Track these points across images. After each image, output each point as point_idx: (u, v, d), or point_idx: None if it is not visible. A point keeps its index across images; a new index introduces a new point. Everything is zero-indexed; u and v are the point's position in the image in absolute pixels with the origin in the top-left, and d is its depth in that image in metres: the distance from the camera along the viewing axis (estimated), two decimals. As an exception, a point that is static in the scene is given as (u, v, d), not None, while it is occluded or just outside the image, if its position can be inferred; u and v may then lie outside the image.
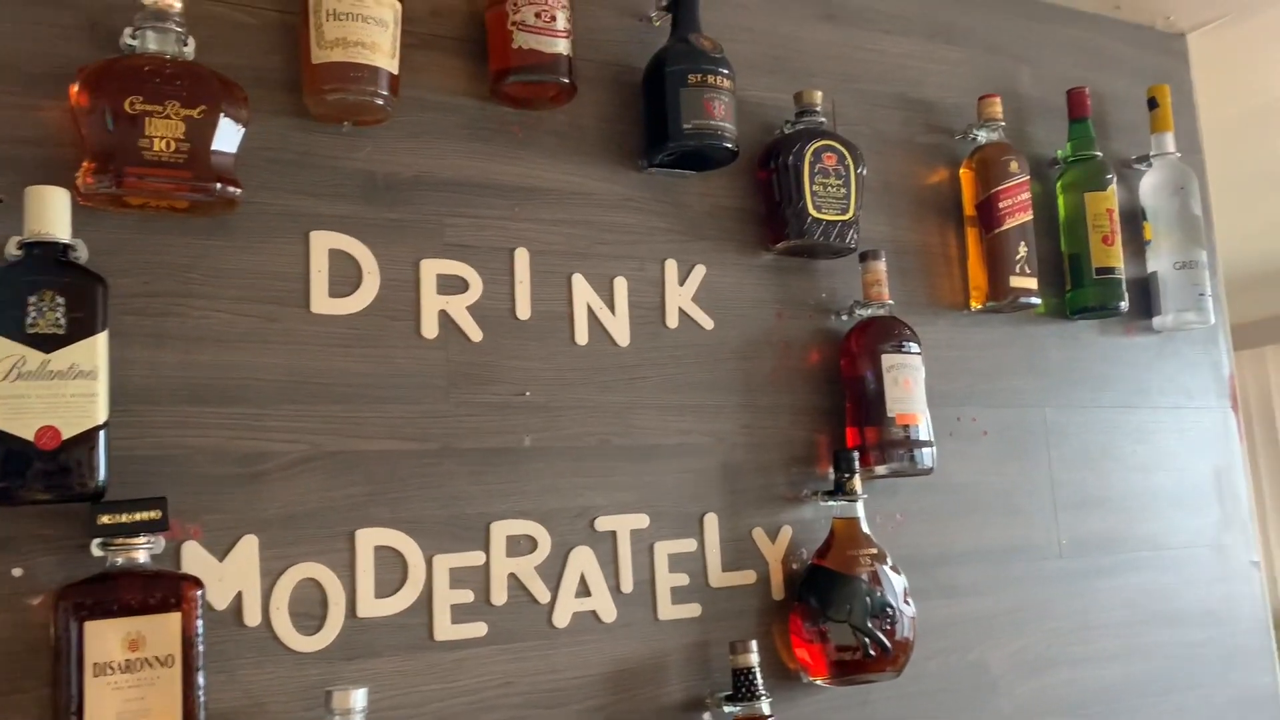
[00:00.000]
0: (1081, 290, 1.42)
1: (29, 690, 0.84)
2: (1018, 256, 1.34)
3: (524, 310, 1.10)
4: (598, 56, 1.18)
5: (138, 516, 0.84)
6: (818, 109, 1.24)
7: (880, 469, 1.20)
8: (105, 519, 0.83)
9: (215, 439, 0.94)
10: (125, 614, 0.83)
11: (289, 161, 1.01)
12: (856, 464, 1.18)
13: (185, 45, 0.93)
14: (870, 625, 1.14)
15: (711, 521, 1.16)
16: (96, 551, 0.85)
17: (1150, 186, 1.52)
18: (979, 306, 1.37)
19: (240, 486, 0.95)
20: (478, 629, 1.02)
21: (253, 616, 0.93)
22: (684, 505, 1.15)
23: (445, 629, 1.01)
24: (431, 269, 1.06)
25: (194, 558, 0.92)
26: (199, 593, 0.86)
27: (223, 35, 0.99)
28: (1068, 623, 1.37)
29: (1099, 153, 1.45)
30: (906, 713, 1.23)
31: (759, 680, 1.08)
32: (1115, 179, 1.45)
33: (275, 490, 0.96)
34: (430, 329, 1.05)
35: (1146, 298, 1.51)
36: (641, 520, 1.12)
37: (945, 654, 1.27)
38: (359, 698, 0.90)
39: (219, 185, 0.91)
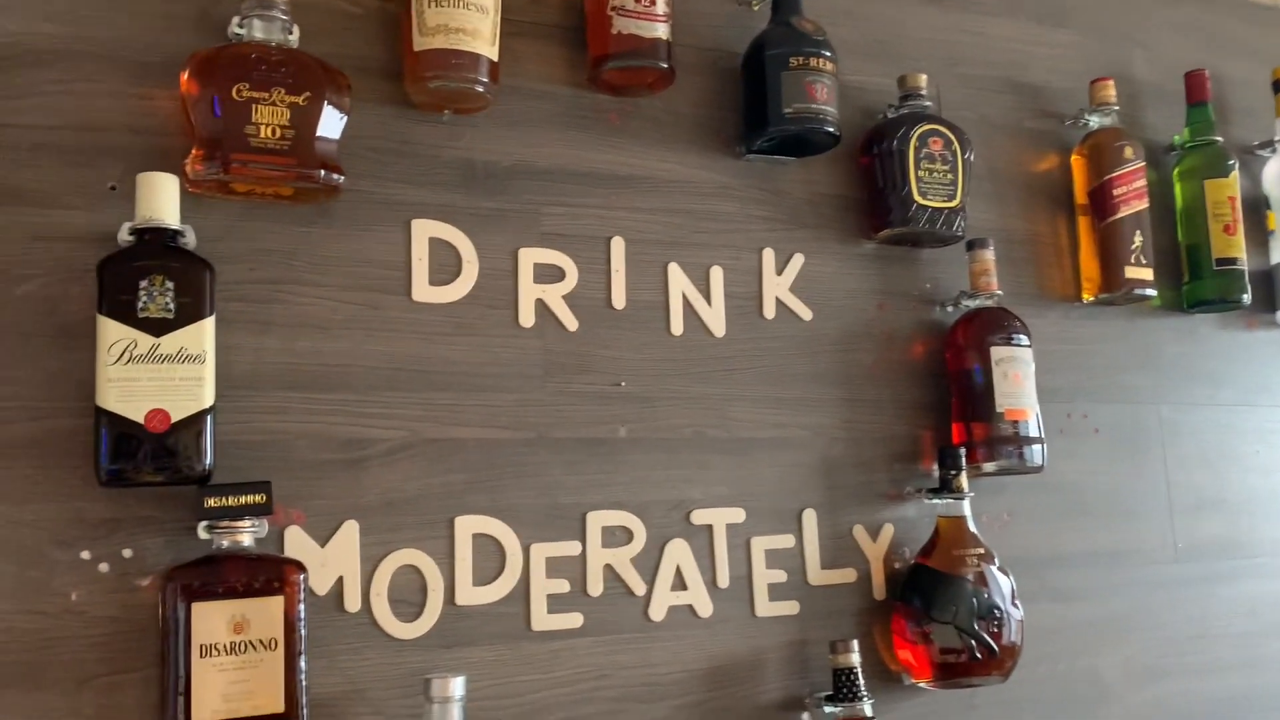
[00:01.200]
0: (1200, 282, 1.36)
1: (138, 670, 0.85)
2: (1132, 246, 1.28)
3: (619, 300, 1.08)
4: (696, 41, 1.16)
5: (243, 500, 0.85)
6: (923, 93, 1.20)
7: (988, 466, 1.16)
8: (212, 502, 0.84)
9: (317, 425, 0.95)
10: (231, 596, 0.84)
11: (390, 150, 1.01)
12: (963, 460, 1.14)
13: (290, 34, 0.94)
14: (976, 627, 1.09)
15: (810, 517, 1.13)
16: (202, 534, 0.86)
17: (1274, 174, 1.44)
18: (1091, 299, 1.31)
19: (341, 472, 0.95)
20: (574, 620, 1.01)
21: (353, 602, 0.93)
22: (782, 500, 1.12)
23: (542, 619, 1.00)
24: (529, 258, 1.05)
25: (296, 542, 0.92)
26: (301, 577, 0.87)
27: (326, 24, 1.00)
28: (1183, 631, 1.30)
29: (1219, 138, 1.38)
30: (1014, 717, 1.18)
31: (860, 681, 1.05)
32: (1237, 165, 1.38)
33: (375, 477, 0.96)
34: (527, 318, 1.04)
35: (1270, 290, 1.43)
36: (738, 514, 1.10)
37: (1054, 659, 1.22)
38: (457, 686, 0.89)
39: (323, 172, 0.91)
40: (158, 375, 0.84)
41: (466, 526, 0.99)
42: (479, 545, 0.99)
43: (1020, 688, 1.17)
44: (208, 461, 0.86)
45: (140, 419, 0.83)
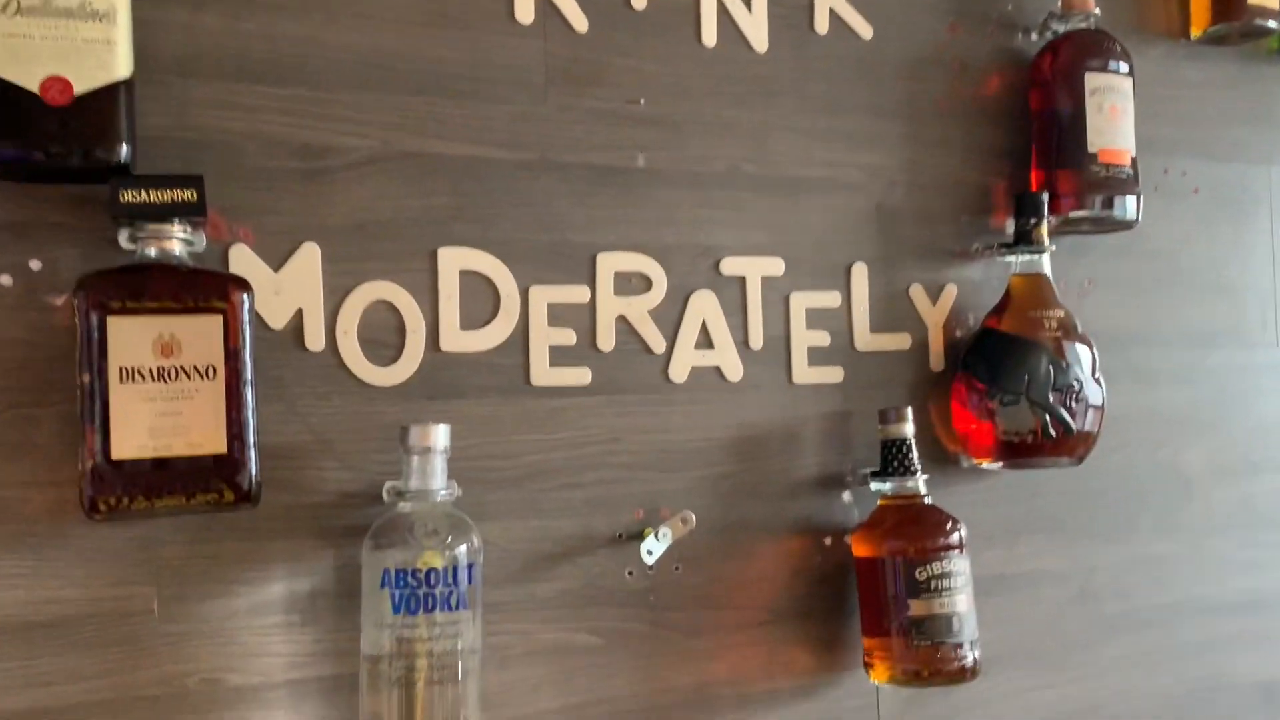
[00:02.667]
0: (1331, 21, 1.14)
1: (53, 403, 0.71)
2: (1258, -33, 1.07)
3: (640, -2, 0.89)
4: None
5: (168, 196, 0.69)
6: None
7: (1073, 214, 0.98)
8: (128, 196, 0.68)
9: (268, 125, 0.78)
10: (156, 312, 0.68)
11: None
12: (1045, 207, 0.96)
13: None
14: (1051, 400, 0.94)
15: (860, 273, 0.96)
16: (125, 244, 0.71)
17: None
18: (1200, 34, 1.10)
19: (299, 184, 0.78)
20: (581, 375, 0.86)
21: (315, 340, 0.78)
22: (828, 252, 0.95)
23: (543, 373, 0.85)
24: (529, -64, 0.85)
25: (244, 263, 0.76)
26: (245, 296, 0.71)
27: None
28: None
29: None
30: (1082, 510, 1.04)
31: (914, 454, 0.90)
32: (1388, -122, 1.14)
33: (340, 192, 0.79)
34: (525, 13, 0.85)
35: None
36: (776, 265, 0.93)
37: (1132, 448, 1.07)
38: (440, 434, 0.76)
39: None
40: (55, 33, 0.66)
41: (452, 260, 0.82)
42: (468, 283, 0.83)
43: (1090, 478, 1.03)
44: (124, 151, 0.69)
45: (34, 87, 0.66)
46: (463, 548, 0.74)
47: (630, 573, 0.87)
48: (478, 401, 0.83)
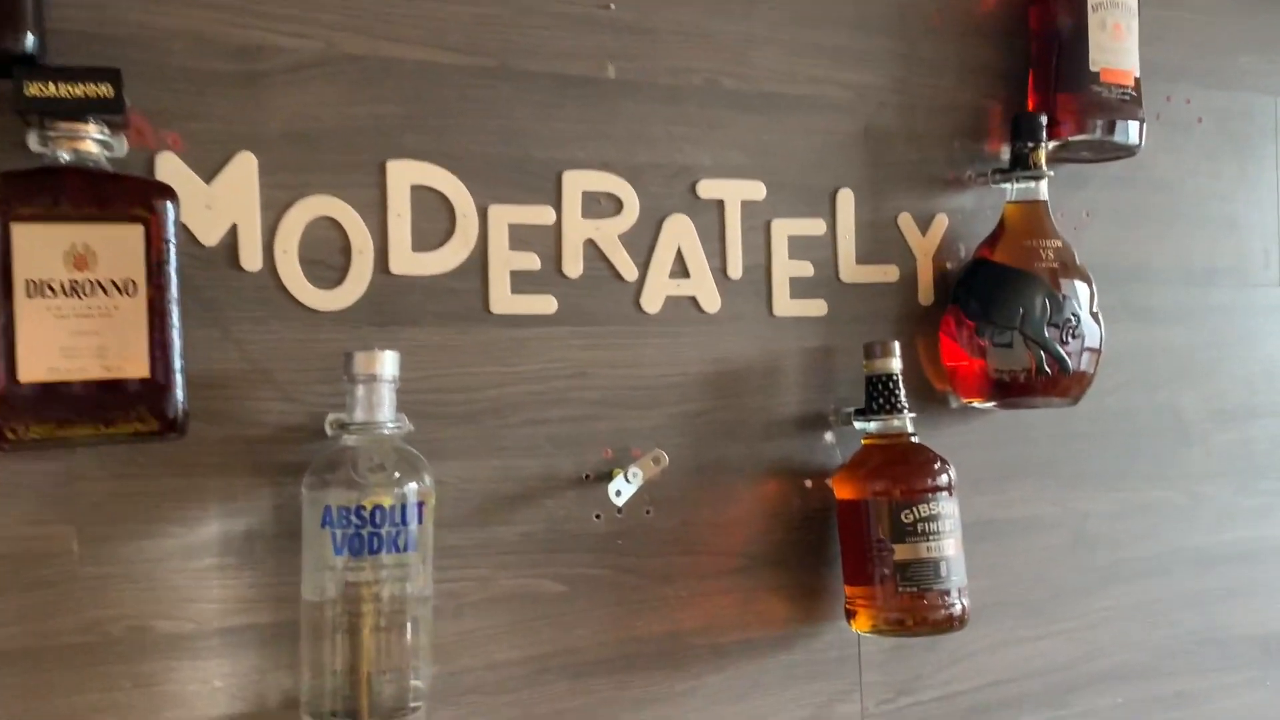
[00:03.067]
0: (1344, -59, 1.08)
1: (-43, 322, 0.64)
2: (1272, -122, 1.00)
3: (612, -105, 0.82)
4: None
5: (81, 90, 0.62)
6: None
7: (1075, 138, 0.92)
8: (34, 89, 0.61)
9: (199, 22, 0.70)
10: (68, 219, 0.61)
11: None
12: (1044, 130, 0.90)
13: None
14: (1047, 335, 0.88)
15: (846, 199, 0.90)
16: (35, 146, 0.63)
17: None
18: (1208, -47, 1.04)
19: (232, 89, 0.71)
20: (546, 304, 0.80)
21: (251, 259, 0.72)
22: (812, 176, 0.89)
23: (504, 300, 0.78)
24: None
25: (172, 173, 0.69)
26: (169, 205, 0.64)
27: None
28: (1280, 366, 1.10)
29: None
30: (1076, 454, 0.99)
31: (901, 390, 0.85)
32: None
33: (279, 98, 0.72)
34: (486, -95, 0.78)
35: None
36: (756, 189, 0.87)
37: (1128, 389, 1.01)
38: (388, 362, 0.69)
39: None
40: (-56, -98, 0.59)
41: (403, 174, 0.76)
42: (420, 200, 0.76)
43: (1085, 421, 0.98)
44: (30, 40, 0.62)
45: (-78, -36, 0.59)
46: (412, 485, 0.68)
47: (598, 515, 0.81)
48: (432, 329, 0.76)
